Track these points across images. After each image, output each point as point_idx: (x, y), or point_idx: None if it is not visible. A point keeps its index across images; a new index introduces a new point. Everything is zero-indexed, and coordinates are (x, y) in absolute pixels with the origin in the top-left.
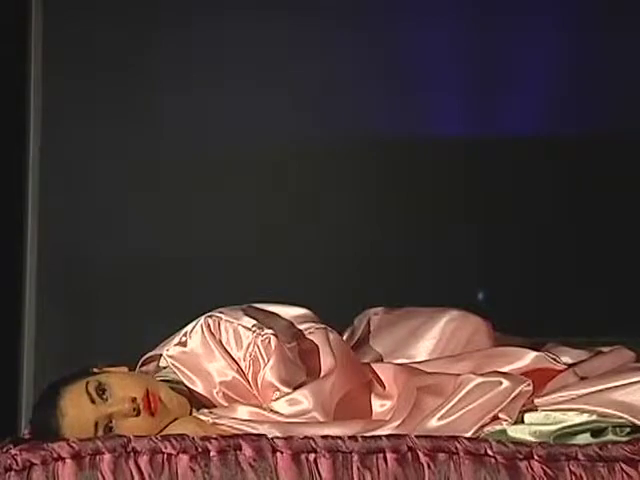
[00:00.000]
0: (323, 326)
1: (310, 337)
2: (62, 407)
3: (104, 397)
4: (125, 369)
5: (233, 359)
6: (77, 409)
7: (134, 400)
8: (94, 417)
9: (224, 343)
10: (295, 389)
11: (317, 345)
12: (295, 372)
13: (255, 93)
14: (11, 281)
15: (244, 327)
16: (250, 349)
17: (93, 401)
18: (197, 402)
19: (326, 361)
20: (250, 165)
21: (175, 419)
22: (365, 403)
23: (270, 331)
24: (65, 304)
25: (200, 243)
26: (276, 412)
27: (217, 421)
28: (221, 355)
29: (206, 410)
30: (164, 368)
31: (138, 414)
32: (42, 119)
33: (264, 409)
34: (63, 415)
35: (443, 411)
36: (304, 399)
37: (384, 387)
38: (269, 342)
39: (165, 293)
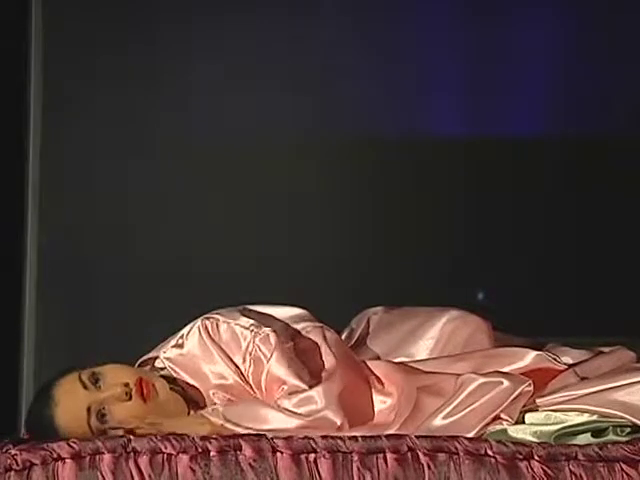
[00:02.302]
0: (319, 325)
1: (307, 336)
2: (55, 395)
3: (97, 385)
4: None
5: (231, 360)
6: (70, 395)
7: (127, 385)
8: (86, 402)
9: (222, 344)
10: (303, 385)
11: (315, 344)
12: (299, 365)
13: (255, 93)
14: (11, 281)
15: (242, 327)
16: (250, 349)
17: (86, 387)
18: (193, 403)
19: (327, 360)
20: (250, 165)
21: (175, 418)
22: (367, 400)
23: (268, 329)
24: (65, 304)
25: (200, 243)
26: (288, 410)
27: (228, 425)
28: (219, 357)
29: (210, 409)
30: (161, 369)
31: (130, 399)
32: (42, 119)
33: (272, 407)
34: (56, 403)
35: (445, 412)
36: (316, 399)
37: (382, 384)
38: (268, 339)
39: (165, 293)
